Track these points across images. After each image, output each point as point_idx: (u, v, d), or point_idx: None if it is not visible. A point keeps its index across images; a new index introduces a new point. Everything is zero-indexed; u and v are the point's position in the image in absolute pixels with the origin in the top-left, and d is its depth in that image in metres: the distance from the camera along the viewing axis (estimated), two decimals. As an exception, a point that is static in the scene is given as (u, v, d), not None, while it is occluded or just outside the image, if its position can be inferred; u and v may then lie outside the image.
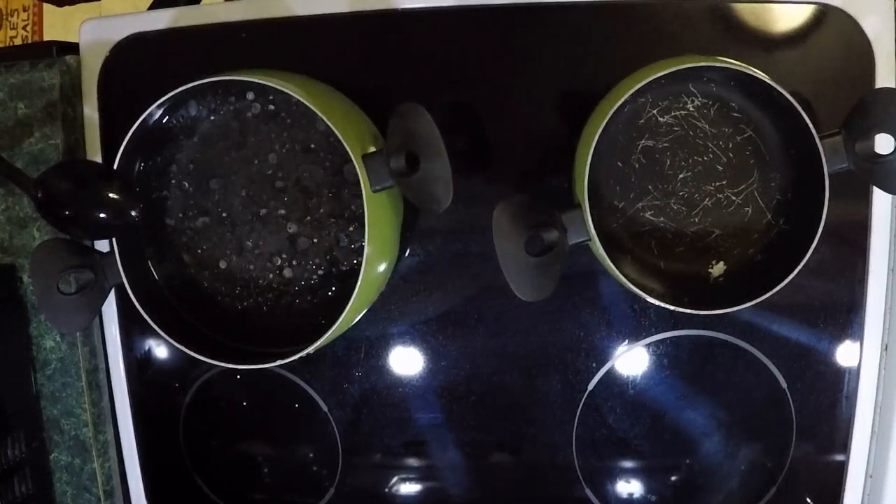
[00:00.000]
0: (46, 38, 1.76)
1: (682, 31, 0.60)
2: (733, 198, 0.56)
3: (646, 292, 0.52)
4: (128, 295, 0.54)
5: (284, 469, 0.69)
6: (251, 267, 0.58)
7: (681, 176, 0.56)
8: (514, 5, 0.61)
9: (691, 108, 0.55)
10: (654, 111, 0.56)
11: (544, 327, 0.63)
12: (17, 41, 1.85)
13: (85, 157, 0.66)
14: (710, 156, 0.56)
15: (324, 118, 0.50)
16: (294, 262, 0.58)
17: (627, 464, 0.65)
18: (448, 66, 0.63)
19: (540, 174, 0.62)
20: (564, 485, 0.65)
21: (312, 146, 0.57)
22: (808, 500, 0.64)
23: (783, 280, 0.51)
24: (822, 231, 0.50)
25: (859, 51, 0.58)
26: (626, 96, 0.50)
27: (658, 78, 0.50)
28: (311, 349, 0.52)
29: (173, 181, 0.58)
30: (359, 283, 0.51)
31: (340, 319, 0.52)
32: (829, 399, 0.62)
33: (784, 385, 0.62)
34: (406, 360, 0.65)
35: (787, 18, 0.59)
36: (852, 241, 0.60)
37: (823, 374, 0.62)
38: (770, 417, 0.63)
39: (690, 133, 0.56)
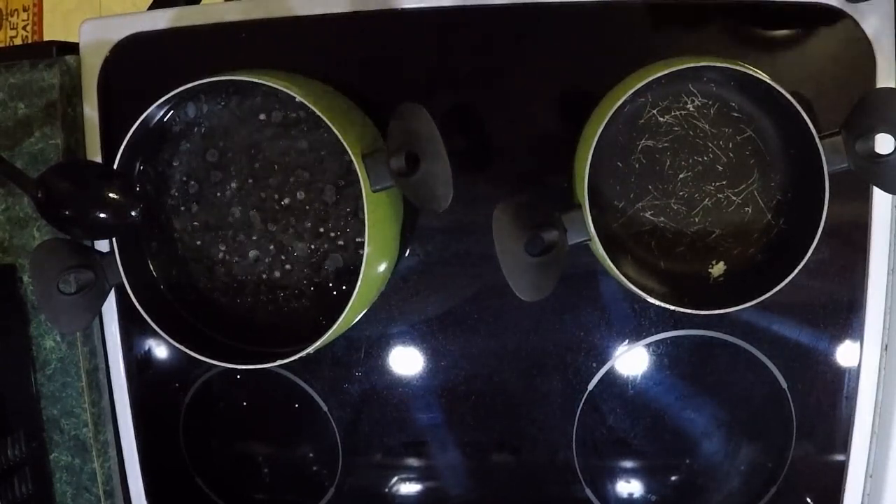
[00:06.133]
0: (46, 38, 1.77)
1: (683, 31, 0.60)
2: (733, 198, 0.56)
3: (646, 292, 0.52)
4: (128, 295, 0.54)
5: (284, 469, 0.69)
6: (251, 267, 0.58)
7: (681, 176, 0.56)
8: (514, 5, 0.61)
9: (691, 108, 0.55)
10: (654, 111, 0.56)
11: (544, 327, 0.63)
12: (17, 41, 1.85)
13: (85, 157, 0.66)
14: (710, 156, 0.56)
15: (324, 118, 0.50)
16: (294, 262, 0.58)
17: (627, 464, 0.65)
18: (448, 66, 0.63)
19: (540, 174, 0.62)
20: (564, 485, 0.65)
21: (312, 146, 0.57)
22: (808, 500, 0.64)
23: (783, 280, 0.51)
24: (822, 231, 0.50)
25: (859, 51, 0.58)
26: (626, 96, 0.50)
27: (658, 78, 0.50)
28: (311, 349, 0.52)
29: (173, 181, 0.58)
30: (359, 283, 0.51)
31: (340, 319, 0.52)
32: (829, 399, 0.62)
33: (784, 385, 0.62)
34: (406, 360, 0.65)
35: (787, 18, 0.59)
36: (852, 241, 0.60)
37: (823, 374, 0.62)
38: (770, 417, 0.63)
39: (690, 133, 0.56)
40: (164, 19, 0.64)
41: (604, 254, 0.51)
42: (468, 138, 0.63)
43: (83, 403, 0.67)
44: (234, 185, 0.58)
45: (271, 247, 0.58)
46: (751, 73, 0.51)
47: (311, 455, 0.68)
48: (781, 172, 0.55)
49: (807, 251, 0.50)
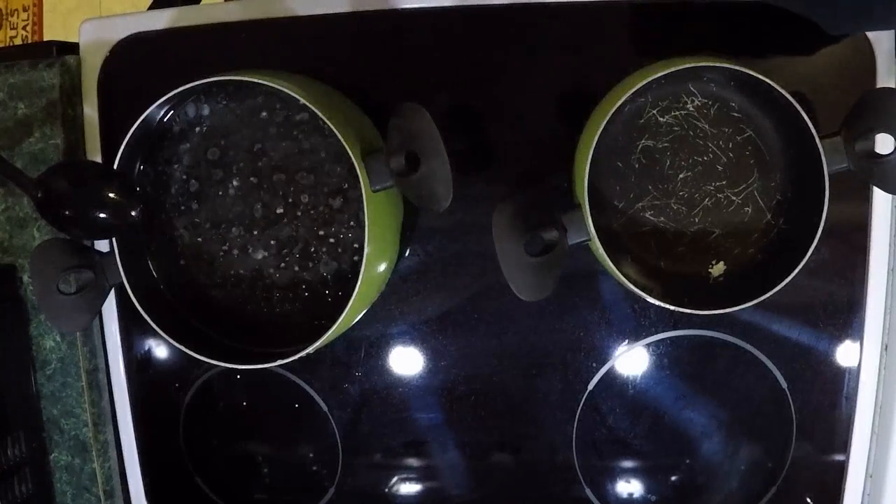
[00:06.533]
0: (46, 38, 1.77)
1: (682, 31, 0.60)
2: (733, 198, 0.56)
3: (646, 292, 0.52)
4: (128, 295, 0.54)
5: (284, 469, 0.69)
6: (251, 266, 0.58)
7: (681, 176, 0.56)
8: (514, 5, 0.61)
9: (691, 108, 0.55)
10: (654, 111, 0.56)
11: (544, 327, 0.63)
12: (17, 41, 1.85)
13: (85, 157, 0.66)
14: (710, 156, 0.56)
15: (324, 118, 0.50)
16: (294, 262, 0.58)
17: (627, 464, 0.65)
18: (448, 66, 0.63)
19: (540, 174, 0.62)
20: (564, 485, 0.65)
21: (312, 146, 0.57)
22: (808, 500, 0.64)
23: (783, 280, 0.51)
24: (822, 231, 0.50)
25: (859, 51, 0.58)
26: (626, 96, 0.50)
27: (658, 78, 0.50)
28: (311, 349, 0.52)
29: (173, 181, 0.58)
30: (359, 283, 0.51)
31: (340, 319, 0.52)
32: (829, 399, 0.62)
33: (784, 385, 0.62)
34: (406, 360, 0.65)
35: (787, 18, 0.59)
36: (852, 241, 0.60)
37: (823, 374, 0.62)
38: (770, 417, 0.63)
39: (690, 133, 0.56)
40: (164, 19, 0.64)
41: (604, 254, 0.51)
42: (468, 138, 0.63)
43: (83, 403, 0.67)
44: (234, 184, 0.58)
45: (272, 245, 0.58)
46: (751, 73, 0.50)
47: (311, 455, 0.68)
48: (781, 172, 0.55)
49: (807, 251, 0.50)
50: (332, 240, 0.57)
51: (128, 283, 0.54)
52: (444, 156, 0.48)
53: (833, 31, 0.56)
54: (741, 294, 0.52)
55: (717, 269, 0.57)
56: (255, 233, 0.58)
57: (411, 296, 0.64)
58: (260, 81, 0.51)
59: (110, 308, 0.67)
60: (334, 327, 0.52)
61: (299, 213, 0.57)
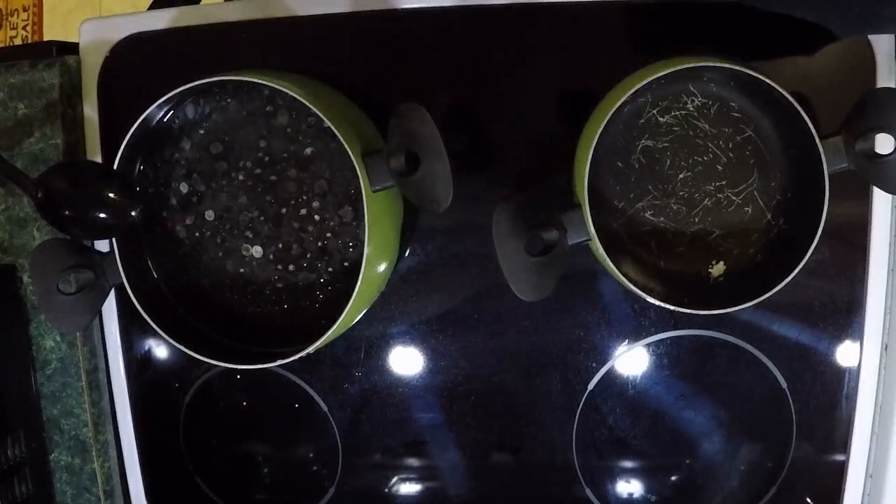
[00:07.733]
0: (46, 38, 1.77)
1: (682, 31, 0.60)
2: (733, 198, 0.56)
3: (646, 292, 0.52)
4: (128, 295, 0.54)
5: (284, 469, 0.69)
6: (251, 267, 0.58)
7: (681, 176, 0.56)
8: (514, 5, 0.61)
9: (691, 108, 0.55)
10: (654, 111, 0.56)
11: (544, 327, 0.63)
12: (17, 41, 1.85)
13: (85, 157, 0.66)
14: (710, 156, 0.56)
15: (324, 118, 0.50)
16: (294, 262, 0.58)
17: (627, 464, 0.65)
18: (448, 66, 0.63)
19: (540, 174, 0.62)
20: (564, 485, 0.65)
21: (312, 146, 0.57)
22: (808, 500, 0.64)
23: (783, 280, 0.51)
24: (822, 231, 0.50)
25: (859, 51, 0.58)
26: (626, 96, 0.50)
27: (658, 78, 0.50)
28: (311, 349, 0.52)
29: (173, 181, 0.58)
30: (359, 283, 0.51)
31: (340, 319, 0.52)
32: (829, 399, 0.62)
33: (784, 385, 0.62)
34: (406, 360, 0.65)
35: (787, 18, 0.59)
36: (852, 241, 0.60)
37: (823, 374, 0.62)
38: (770, 417, 0.63)
39: (690, 133, 0.56)
40: (164, 19, 0.64)
41: (604, 254, 0.51)
42: (468, 138, 0.63)
43: (83, 403, 0.67)
44: (235, 184, 0.58)
45: (271, 246, 0.58)
46: (751, 73, 0.51)
47: (311, 455, 0.68)
48: (781, 172, 0.55)
49: (807, 251, 0.50)
50: (332, 240, 0.57)
51: (128, 283, 0.54)
52: (444, 156, 0.48)
53: (844, 36, 0.57)
54: (741, 294, 0.52)
55: (717, 269, 0.57)
56: (255, 233, 0.58)
57: (411, 296, 0.64)
58: (260, 82, 0.51)
59: (110, 308, 0.67)
60: (334, 327, 0.52)
61: (298, 213, 0.57)
